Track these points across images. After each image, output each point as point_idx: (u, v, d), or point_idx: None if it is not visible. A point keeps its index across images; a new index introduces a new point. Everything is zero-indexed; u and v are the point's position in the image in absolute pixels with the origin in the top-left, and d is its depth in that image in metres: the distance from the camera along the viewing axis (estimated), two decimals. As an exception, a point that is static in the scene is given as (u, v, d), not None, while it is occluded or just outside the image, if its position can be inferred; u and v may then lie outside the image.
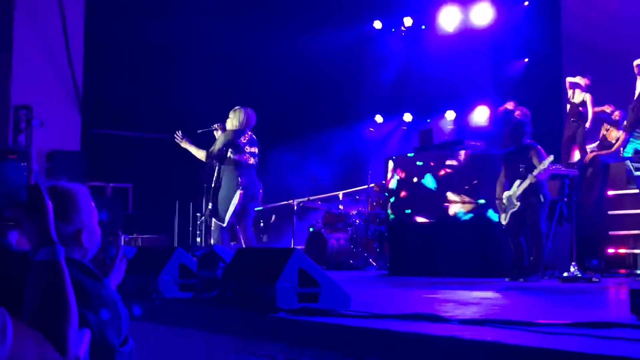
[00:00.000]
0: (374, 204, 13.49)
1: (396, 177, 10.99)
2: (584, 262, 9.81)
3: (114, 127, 16.17)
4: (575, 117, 12.62)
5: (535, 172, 8.76)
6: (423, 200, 10.53)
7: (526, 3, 15.69)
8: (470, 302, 5.70)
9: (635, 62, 11.01)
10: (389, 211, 11.17)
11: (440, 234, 10.27)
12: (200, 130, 9.44)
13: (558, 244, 9.84)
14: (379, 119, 18.10)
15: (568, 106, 12.81)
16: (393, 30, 18.08)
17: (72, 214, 2.48)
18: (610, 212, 10.37)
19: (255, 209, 9.44)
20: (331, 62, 16.97)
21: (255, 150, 9.01)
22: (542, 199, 8.86)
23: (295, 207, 14.23)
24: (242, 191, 8.72)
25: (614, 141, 11.55)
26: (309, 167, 15.78)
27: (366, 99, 17.71)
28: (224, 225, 8.78)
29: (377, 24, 18.09)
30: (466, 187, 10.25)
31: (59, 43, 14.88)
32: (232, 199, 8.75)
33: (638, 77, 11.11)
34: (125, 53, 16.17)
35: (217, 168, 8.98)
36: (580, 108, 12.58)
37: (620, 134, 11.48)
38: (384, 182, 12.27)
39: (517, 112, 12.22)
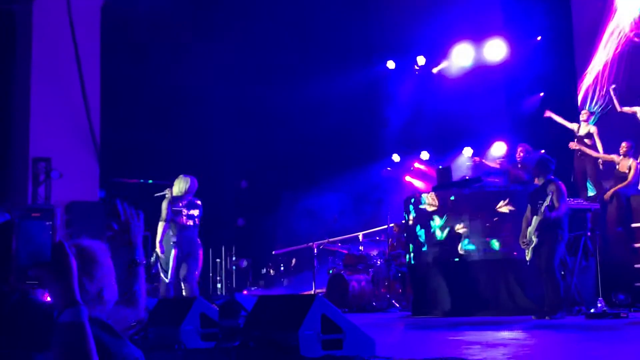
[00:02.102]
0: (395, 244, 13.39)
1: (414, 216, 10.94)
2: (610, 297, 9.65)
3: (132, 176, 16.25)
4: (582, 151, 12.62)
5: (542, 208, 8.69)
6: (445, 239, 10.44)
7: (539, 38, 15.71)
8: (498, 343, 5.59)
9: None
10: (411, 250, 11.10)
11: (464, 273, 10.15)
12: (156, 194, 10.45)
13: (584, 279, 9.69)
14: (396, 158, 18.07)
15: (575, 140, 12.80)
16: (409, 72, 18.15)
17: (95, 271, 2.48)
18: (635, 245, 10.24)
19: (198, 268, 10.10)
20: (347, 104, 17.04)
21: (194, 212, 9.94)
22: (559, 236, 8.76)
23: (315, 250, 14.15)
24: (176, 249, 9.64)
25: (626, 171, 11.46)
26: (327, 209, 15.75)
27: (383, 139, 17.74)
28: (167, 280, 9.66)
29: (391, 64, 18.16)
30: (487, 225, 10.15)
31: (76, 94, 15.02)
32: (170, 257, 9.66)
33: None
34: (142, 102, 16.32)
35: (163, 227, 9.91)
36: (586, 140, 12.59)
37: (631, 162, 11.42)
38: (403, 221, 12.20)
39: (519, 150, 12.27)
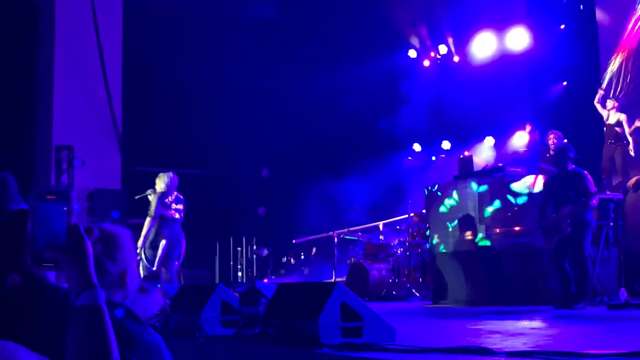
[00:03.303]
0: (415, 233, 13.37)
1: (436, 205, 10.91)
2: (633, 288, 9.57)
3: (154, 164, 16.35)
4: (612, 138, 12.51)
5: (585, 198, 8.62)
6: (467, 228, 10.40)
7: (562, 26, 15.56)
8: (518, 332, 5.57)
9: None
10: (431, 240, 11.08)
11: (484, 262, 10.12)
12: (137, 196, 11.31)
13: (606, 269, 9.62)
14: (417, 147, 18.00)
15: (605, 128, 12.72)
16: (431, 61, 18.04)
17: (118, 254, 2.48)
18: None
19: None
20: (368, 92, 16.99)
21: (180, 207, 10.71)
22: (588, 225, 8.69)
23: (336, 239, 14.16)
24: (166, 241, 10.37)
25: None
26: (348, 198, 15.74)
27: (404, 128, 17.67)
28: (154, 268, 10.34)
29: (412, 53, 18.09)
30: (509, 214, 10.10)
31: (98, 84, 15.14)
32: (158, 247, 10.39)
33: None
34: (163, 91, 16.38)
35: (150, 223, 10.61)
36: (616, 129, 12.49)
37: None
38: (424, 210, 12.17)
39: (551, 137, 12.15)
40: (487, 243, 10.15)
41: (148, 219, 10.49)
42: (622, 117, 12.57)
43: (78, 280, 1.77)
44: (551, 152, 11.91)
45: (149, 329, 2.35)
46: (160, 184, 10.63)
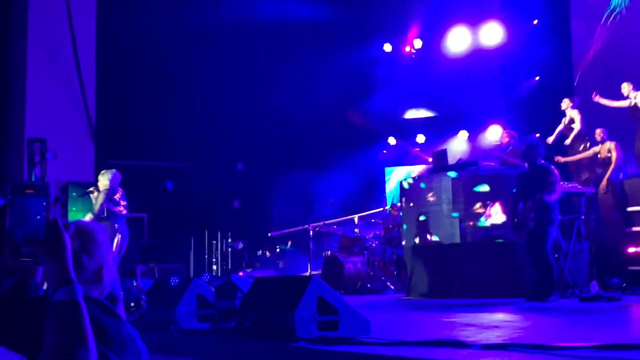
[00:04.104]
0: (390, 226, 13.43)
1: (410, 198, 10.96)
2: (604, 280, 9.70)
3: (128, 157, 16.24)
4: (572, 138, 12.77)
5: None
6: (441, 221, 10.46)
7: (535, 22, 15.68)
8: (492, 325, 5.63)
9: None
10: (406, 233, 11.12)
11: (458, 255, 10.18)
12: (79, 195, 11.37)
13: (577, 262, 9.73)
14: (392, 141, 18.06)
15: (564, 129, 13.00)
16: (407, 51, 18.08)
17: (94, 249, 2.47)
18: (629, 229, 10.28)
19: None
20: (343, 86, 16.99)
21: (125, 203, 10.65)
22: (551, 219, 8.78)
23: (311, 232, 14.18)
24: (119, 236, 10.36)
25: (608, 154, 11.58)
26: (323, 191, 15.76)
27: (379, 122, 17.72)
28: None
29: (387, 47, 18.11)
30: (482, 208, 10.16)
31: (72, 76, 15.00)
32: (112, 243, 10.36)
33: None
34: (138, 84, 16.26)
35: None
36: (572, 126, 12.76)
37: (609, 145, 11.56)
38: (399, 204, 12.22)
39: (504, 135, 12.28)
40: (461, 236, 10.20)
41: (89, 215, 10.43)
42: (574, 112, 12.84)
43: (56, 275, 1.77)
44: (507, 151, 12.05)
45: (125, 323, 2.35)
46: (104, 181, 10.54)
